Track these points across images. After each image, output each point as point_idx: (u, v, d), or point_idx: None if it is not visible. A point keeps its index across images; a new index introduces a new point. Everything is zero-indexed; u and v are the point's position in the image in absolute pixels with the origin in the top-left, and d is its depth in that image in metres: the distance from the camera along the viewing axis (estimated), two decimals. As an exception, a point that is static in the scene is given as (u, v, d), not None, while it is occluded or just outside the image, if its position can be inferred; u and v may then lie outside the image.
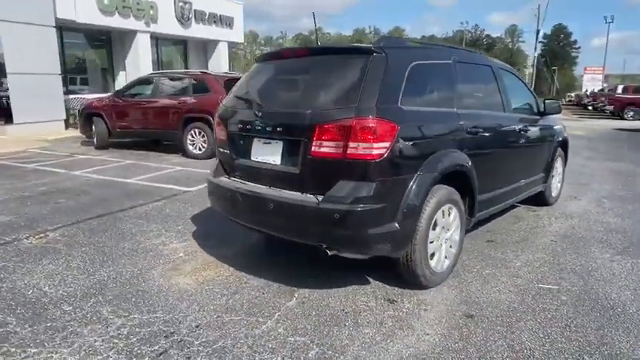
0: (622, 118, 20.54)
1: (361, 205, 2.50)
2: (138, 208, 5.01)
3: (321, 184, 2.63)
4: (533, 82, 57.38)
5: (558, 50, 60.28)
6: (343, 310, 2.77)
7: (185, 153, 8.38)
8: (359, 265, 3.24)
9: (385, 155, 2.51)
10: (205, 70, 9.26)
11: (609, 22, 55.87)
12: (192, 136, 8.24)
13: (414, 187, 2.67)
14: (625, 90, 22.88)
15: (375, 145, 2.47)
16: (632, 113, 20.58)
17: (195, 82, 8.35)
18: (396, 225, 2.59)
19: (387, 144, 2.50)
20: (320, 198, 2.61)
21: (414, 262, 2.83)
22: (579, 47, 68.59)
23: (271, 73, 3.32)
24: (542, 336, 2.50)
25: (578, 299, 2.93)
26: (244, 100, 3.20)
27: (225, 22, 18.21)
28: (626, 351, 2.37)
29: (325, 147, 2.56)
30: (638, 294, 3.02)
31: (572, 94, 52.19)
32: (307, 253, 3.20)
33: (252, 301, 2.86)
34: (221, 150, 3.33)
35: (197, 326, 2.55)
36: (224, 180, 3.25)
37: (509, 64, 5.12)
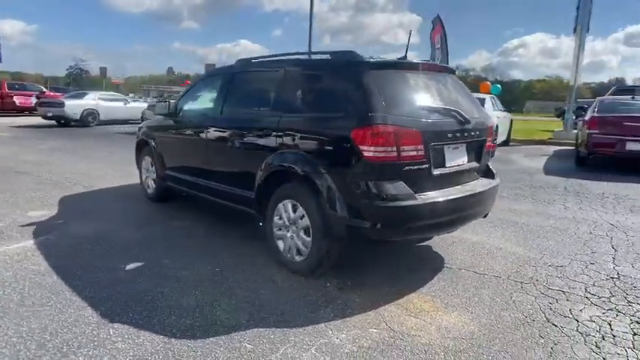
0: None
1: None
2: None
3: (486, 169, 3.78)
4: None
5: None
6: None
7: None
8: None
9: None
10: None
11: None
12: None
13: None
14: None
15: None
16: None
17: None
18: None
19: None
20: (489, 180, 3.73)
21: None
22: None
23: (424, 83, 3.46)
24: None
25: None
26: (434, 110, 3.28)
27: None
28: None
29: (489, 141, 3.74)
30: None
31: None
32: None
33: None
34: (410, 168, 3.07)
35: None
36: (436, 193, 3.17)
37: None
